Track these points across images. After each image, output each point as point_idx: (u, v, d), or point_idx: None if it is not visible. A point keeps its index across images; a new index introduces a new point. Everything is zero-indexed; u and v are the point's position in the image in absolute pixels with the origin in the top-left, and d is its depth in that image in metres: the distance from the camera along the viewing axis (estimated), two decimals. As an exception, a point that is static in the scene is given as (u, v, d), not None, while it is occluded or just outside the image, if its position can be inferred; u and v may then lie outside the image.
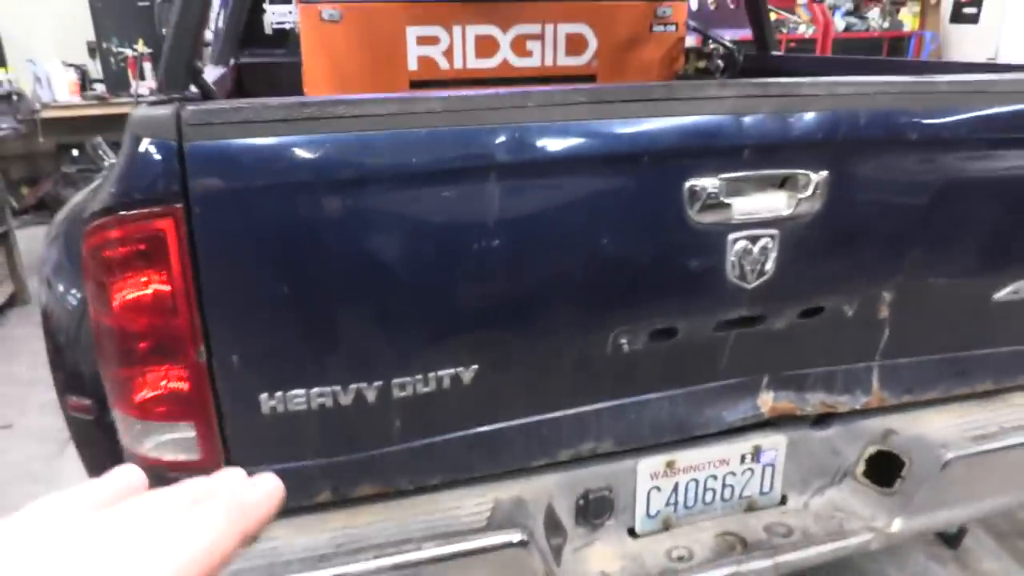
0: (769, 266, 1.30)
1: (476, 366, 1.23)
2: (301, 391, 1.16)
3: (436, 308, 1.19)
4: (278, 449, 1.21)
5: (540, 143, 1.16)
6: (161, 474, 1.22)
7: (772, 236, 1.28)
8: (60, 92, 6.00)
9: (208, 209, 1.05)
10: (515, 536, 1.25)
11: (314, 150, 1.08)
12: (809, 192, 1.26)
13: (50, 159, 6.54)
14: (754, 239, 1.27)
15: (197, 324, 1.10)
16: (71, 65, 6.18)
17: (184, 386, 1.13)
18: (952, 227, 1.42)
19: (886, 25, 8.44)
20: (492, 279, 1.19)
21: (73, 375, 1.63)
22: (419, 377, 1.20)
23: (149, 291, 1.08)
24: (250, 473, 0.47)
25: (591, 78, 2.64)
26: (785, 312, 1.37)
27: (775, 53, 2.60)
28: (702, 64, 2.75)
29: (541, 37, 2.56)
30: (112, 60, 6.24)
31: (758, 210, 1.25)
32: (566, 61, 2.61)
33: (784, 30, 8.06)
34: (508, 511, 1.30)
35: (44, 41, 6.29)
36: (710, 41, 2.72)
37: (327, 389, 1.17)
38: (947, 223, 1.40)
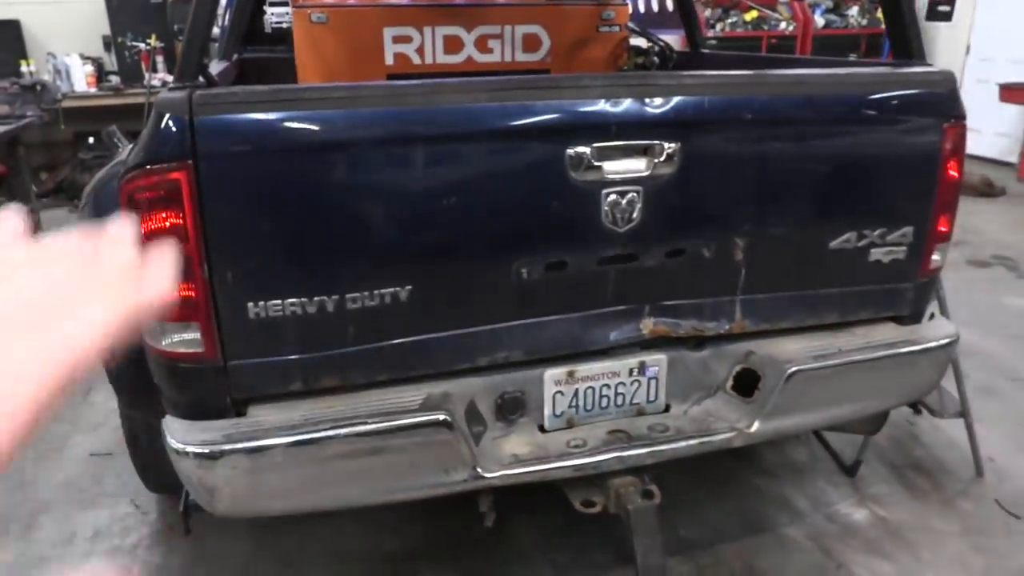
0: (636, 215, 1.70)
1: (410, 287, 1.64)
2: (278, 301, 1.58)
3: (380, 241, 1.61)
4: (262, 346, 1.62)
5: (454, 121, 1.57)
6: (174, 364, 1.64)
7: (637, 191, 1.69)
8: (78, 83, 6.44)
9: (210, 165, 1.47)
10: (439, 416, 1.66)
11: (287, 123, 1.50)
12: (664, 158, 1.67)
13: (67, 147, 6.99)
14: (622, 194, 1.68)
15: (202, 249, 1.51)
16: (88, 58, 6.62)
17: (192, 295, 1.55)
18: (786, 189, 1.82)
19: (865, 22, 8.78)
20: (422, 221, 1.61)
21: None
22: (367, 293, 1.62)
23: (168, 223, 1.50)
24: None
25: (545, 71, 3.05)
26: (653, 252, 1.77)
27: (704, 50, 2.99)
28: (641, 60, 3.15)
29: (501, 37, 2.97)
30: (127, 54, 6.68)
31: (625, 171, 1.66)
32: (523, 57, 3.01)
33: (765, 27, 8.42)
34: (437, 400, 1.71)
35: (62, 35, 6.73)
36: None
37: (297, 300, 1.58)
38: (781, 186, 1.81)
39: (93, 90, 6.54)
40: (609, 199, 1.68)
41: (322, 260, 1.58)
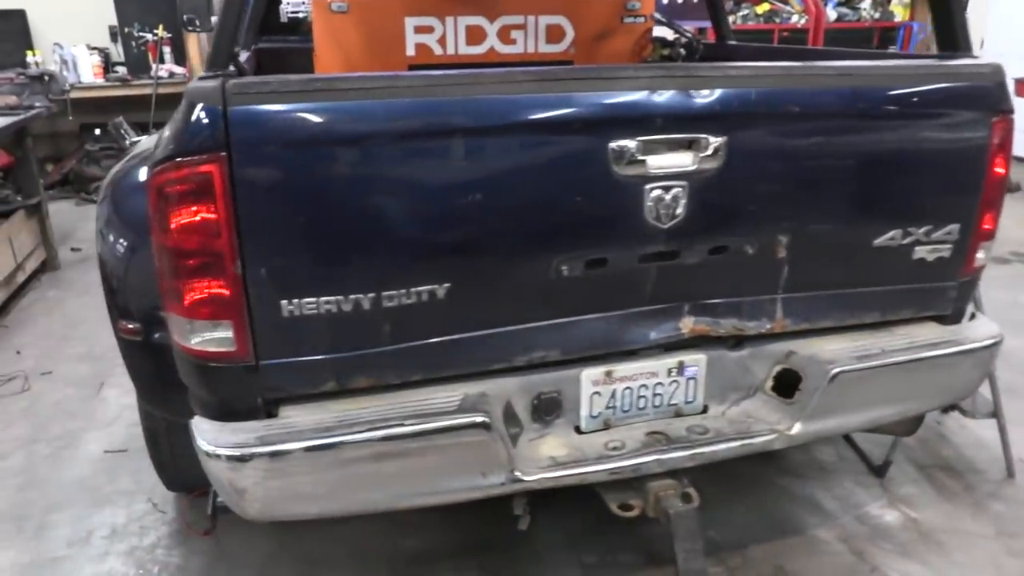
0: (680, 211, 1.65)
1: (448, 284, 1.59)
2: (312, 299, 1.52)
3: (418, 237, 1.55)
4: (295, 345, 1.57)
5: (494, 112, 1.51)
6: (204, 363, 1.59)
7: (682, 187, 1.63)
8: (85, 74, 6.38)
9: (244, 157, 1.41)
10: (478, 418, 1.61)
11: (322, 114, 1.44)
12: (710, 152, 1.61)
13: (73, 138, 6.93)
14: (667, 189, 1.62)
15: (235, 244, 1.46)
16: (95, 49, 6.55)
17: (225, 292, 1.49)
18: (833, 184, 1.76)
19: (877, 16, 8.70)
20: (461, 216, 1.55)
21: (123, 306, 2.00)
22: (403, 291, 1.56)
23: (200, 218, 1.44)
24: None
25: (569, 63, 2.99)
26: (696, 249, 1.72)
27: (731, 42, 2.93)
28: (667, 51, 3.09)
29: (524, 27, 2.90)
30: (133, 44, 6.61)
31: (669, 165, 1.61)
32: (546, 48, 2.95)
33: (778, 20, 8.34)
34: (474, 401, 1.66)
35: (68, 25, 6.66)
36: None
37: (332, 298, 1.53)
38: (828, 181, 1.75)
39: (100, 81, 6.48)
40: (653, 195, 1.62)
41: (358, 256, 1.53)
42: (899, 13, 8.79)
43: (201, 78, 1.46)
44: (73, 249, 5.34)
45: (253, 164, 1.43)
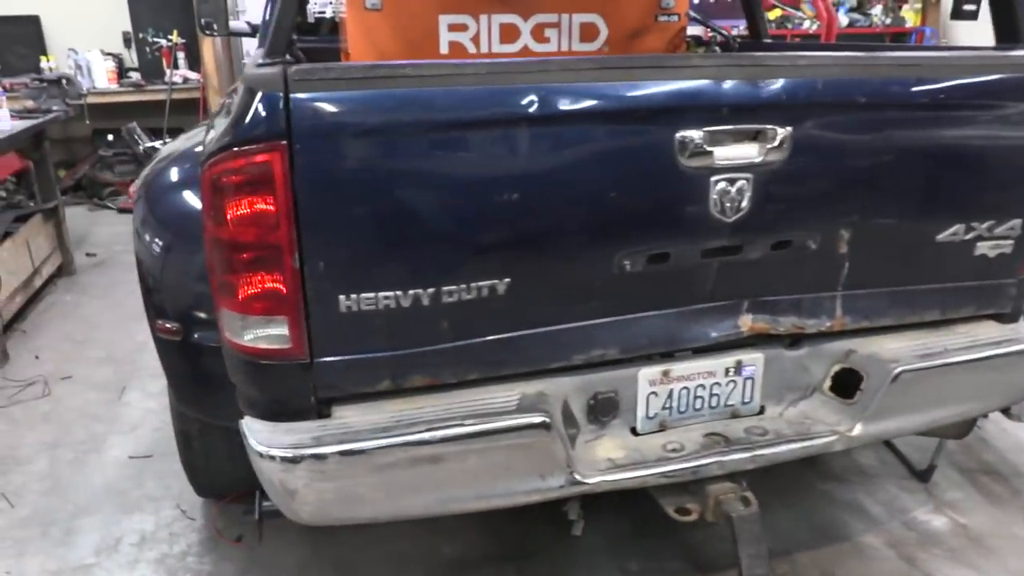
0: (745, 204, 1.60)
1: (508, 280, 1.54)
2: (371, 294, 1.47)
3: (477, 229, 1.50)
4: (351, 342, 1.52)
5: (561, 101, 1.47)
6: (256, 361, 1.53)
7: (747, 179, 1.58)
8: (99, 79, 6.35)
9: (305, 146, 1.36)
10: (538, 418, 1.56)
11: (385, 102, 1.39)
12: (776, 143, 1.57)
13: (86, 143, 6.89)
14: (732, 181, 1.58)
15: (293, 237, 1.41)
16: (109, 54, 6.52)
17: (281, 287, 1.45)
18: (897, 177, 1.71)
19: (888, 21, 8.69)
20: (522, 207, 1.50)
21: (160, 305, 1.96)
22: (463, 286, 1.51)
23: (257, 209, 1.39)
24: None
25: (602, 62, 2.95)
26: (759, 243, 1.67)
27: (767, 41, 2.89)
28: (701, 50, 3.05)
29: (558, 25, 2.86)
30: (147, 49, 6.59)
31: (735, 157, 1.56)
32: (580, 47, 2.91)
33: (789, 25, 8.32)
34: (533, 401, 1.61)
35: (82, 31, 6.64)
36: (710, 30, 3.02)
37: (391, 293, 1.48)
38: (893, 174, 1.70)
39: (114, 86, 6.45)
40: (718, 187, 1.57)
41: (419, 250, 1.48)
42: (910, 18, 8.77)
43: (259, 65, 1.41)
44: (88, 254, 5.30)
45: (314, 154, 1.38)
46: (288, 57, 1.46)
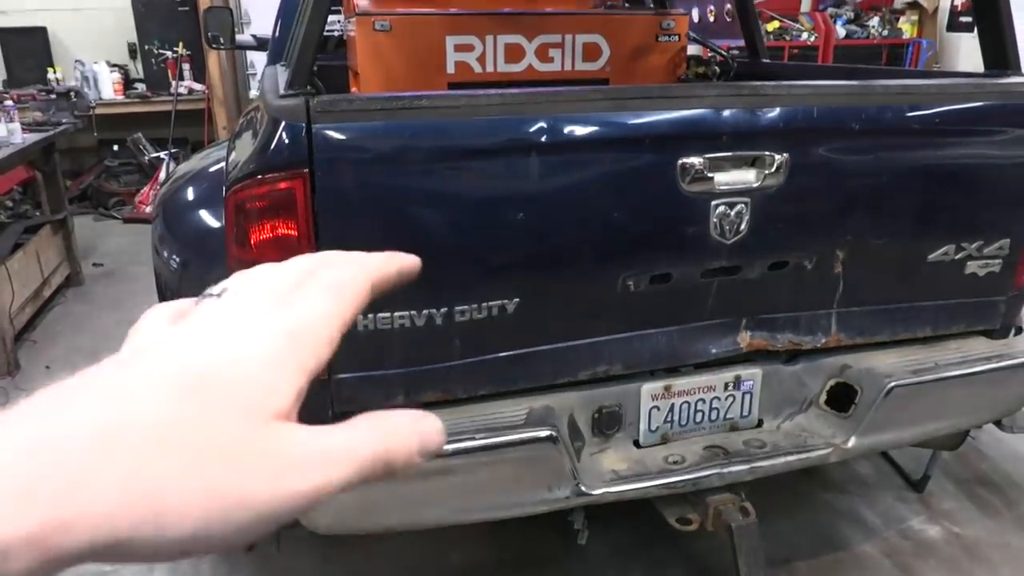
0: (743, 227, 1.67)
1: (517, 299, 1.61)
2: (387, 313, 1.54)
3: (489, 252, 1.58)
4: (368, 359, 1.59)
5: (570, 130, 1.54)
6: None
7: (746, 203, 1.66)
8: (105, 91, 6.42)
9: (327, 174, 1.44)
10: (546, 432, 1.63)
11: (403, 131, 1.46)
12: (773, 169, 1.64)
13: (92, 154, 6.96)
14: (731, 205, 1.65)
15: (314, 260, 1.48)
16: (115, 66, 6.60)
17: (302, 307, 1.51)
18: (890, 200, 1.79)
19: (885, 33, 8.78)
20: (531, 231, 1.58)
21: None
22: (475, 306, 1.58)
23: (280, 233, 1.46)
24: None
25: (605, 81, 3.02)
26: (757, 264, 1.74)
27: (765, 60, 2.97)
28: (701, 70, 3.12)
29: (561, 46, 2.94)
30: (153, 61, 6.66)
31: (734, 182, 1.63)
32: (583, 66, 2.98)
33: (787, 37, 8.41)
34: (540, 415, 1.68)
35: (88, 43, 6.72)
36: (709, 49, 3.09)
37: (406, 312, 1.55)
38: (886, 197, 1.78)
39: (120, 97, 6.52)
40: (718, 211, 1.65)
41: (433, 272, 1.54)
42: (907, 31, 8.87)
43: (283, 96, 1.48)
44: (95, 264, 5.36)
45: (334, 181, 1.45)
46: (309, 88, 1.53)
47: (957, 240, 1.88)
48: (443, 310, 1.57)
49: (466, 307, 1.58)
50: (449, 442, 1.59)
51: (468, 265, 1.57)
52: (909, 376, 1.87)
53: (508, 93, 1.51)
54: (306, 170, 1.42)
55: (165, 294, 2.09)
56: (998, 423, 2.66)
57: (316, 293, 0.37)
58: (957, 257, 1.91)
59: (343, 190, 1.47)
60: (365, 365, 1.59)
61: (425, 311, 1.56)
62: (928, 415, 1.95)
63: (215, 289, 0.38)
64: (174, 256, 2.16)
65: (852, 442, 1.87)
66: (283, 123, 1.42)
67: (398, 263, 0.43)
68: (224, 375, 0.32)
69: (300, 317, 0.36)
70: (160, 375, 0.32)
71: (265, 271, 0.40)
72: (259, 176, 1.45)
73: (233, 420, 0.31)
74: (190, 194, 2.34)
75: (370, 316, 1.54)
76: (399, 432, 0.36)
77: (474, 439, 1.59)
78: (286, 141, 1.42)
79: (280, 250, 1.48)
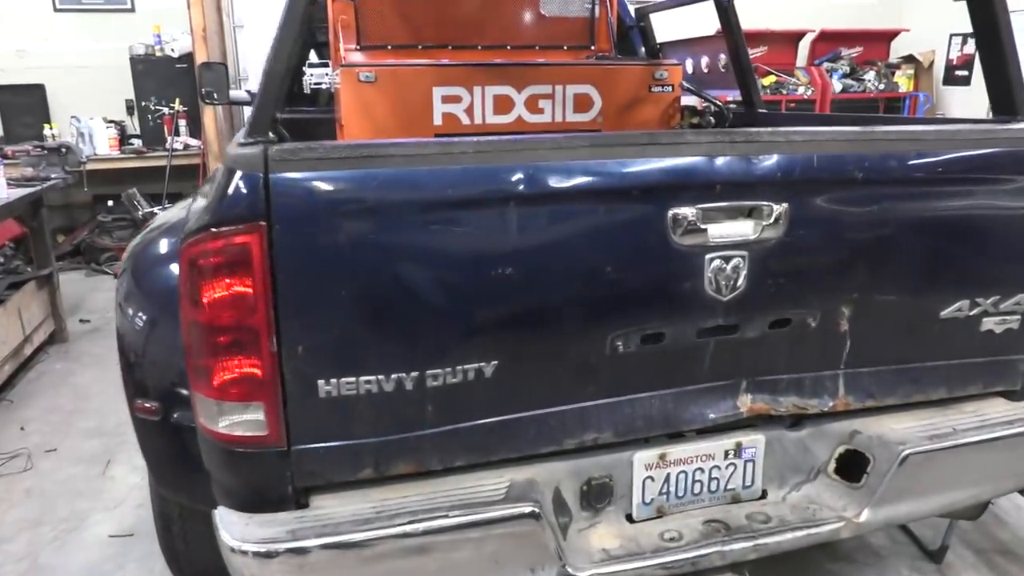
0: (740, 282, 1.55)
1: (496, 362, 1.48)
2: (352, 378, 1.41)
3: (464, 311, 1.45)
4: (331, 428, 1.45)
5: (551, 179, 1.43)
6: (232, 449, 1.46)
7: (743, 256, 1.54)
8: (101, 146, 6.41)
9: (285, 227, 1.32)
10: (528, 508, 1.48)
11: (370, 182, 1.36)
12: (772, 220, 1.53)
13: (86, 209, 6.92)
14: (727, 259, 1.53)
15: (272, 320, 1.35)
16: (111, 122, 6.60)
17: (257, 372, 1.38)
18: (898, 252, 1.67)
19: (882, 87, 8.80)
20: (510, 288, 1.45)
21: (141, 383, 1.89)
22: (449, 369, 1.45)
23: (235, 292, 1.34)
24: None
25: (596, 132, 2.94)
26: (756, 322, 1.62)
27: (760, 110, 2.89)
28: (696, 120, 3.05)
29: (552, 96, 2.87)
30: (149, 117, 6.67)
31: (730, 234, 1.52)
32: (574, 117, 2.91)
33: (784, 91, 8.43)
34: (522, 489, 1.53)
35: (86, 99, 6.73)
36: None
37: (373, 377, 1.42)
38: (893, 249, 1.66)
39: (115, 153, 6.51)
40: (713, 265, 1.53)
41: (403, 333, 1.42)
42: (903, 84, 8.89)
43: (241, 144, 1.38)
44: (82, 320, 5.24)
45: (294, 235, 1.34)
46: (271, 135, 1.43)
47: (971, 295, 1.76)
48: (414, 375, 1.44)
49: (439, 371, 1.45)
50: (421, 520, 1.44)
51: (440, 326, 1.44)
52: (924, 442, 1.72)
53: (483, 140, 1.41)
54: (263, 223, 1.31)
55: (128, 356, 1.97)
56: (1021, 491, 2.51)
57: None
58: (972, 313, 1.78)
59: (304, 245, 1.35)
60: (329, 434, 1.46)
61: (394, 376, 1.43)
62: (947, 485, 1.80)
63: None
64: (140, 314, 2.03)
65: (865, 515, 1.72)
66: (238, 173, 1.31)
67: None
68: None
69: None
70: None
71: None
72: (212, 229, 1.34)
73: None
74: (163, 246, 2.21)
75: (333, 381, 1.41)
76: None
77: (447, 517, 1.45)
78: (243, 191, 1.31)
79: (234, 310, 1.36)
